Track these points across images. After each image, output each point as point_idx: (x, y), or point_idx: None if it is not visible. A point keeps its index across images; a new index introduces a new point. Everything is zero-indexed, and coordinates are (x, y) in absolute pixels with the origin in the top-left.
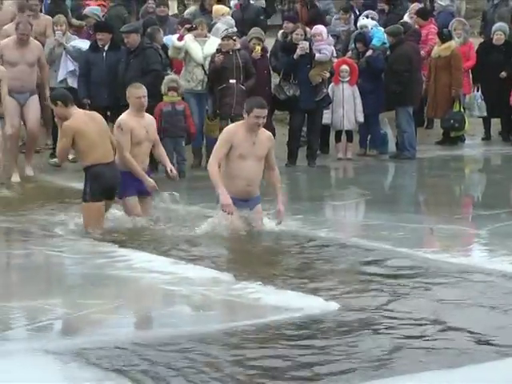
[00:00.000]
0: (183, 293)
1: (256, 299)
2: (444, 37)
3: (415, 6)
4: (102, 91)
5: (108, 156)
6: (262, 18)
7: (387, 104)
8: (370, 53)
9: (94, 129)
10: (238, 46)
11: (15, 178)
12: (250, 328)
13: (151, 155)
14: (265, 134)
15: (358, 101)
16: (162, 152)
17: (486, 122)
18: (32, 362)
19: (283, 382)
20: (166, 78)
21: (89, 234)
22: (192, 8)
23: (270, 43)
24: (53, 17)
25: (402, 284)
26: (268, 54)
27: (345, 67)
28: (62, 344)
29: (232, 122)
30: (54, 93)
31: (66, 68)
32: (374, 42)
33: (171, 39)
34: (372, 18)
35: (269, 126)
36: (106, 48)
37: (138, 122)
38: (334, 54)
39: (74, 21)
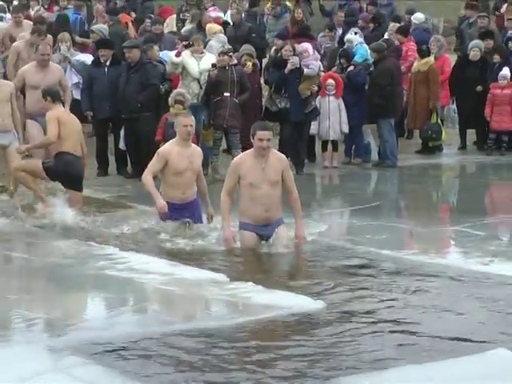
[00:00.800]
0: (179, 292)
1: (248, 298)
2: (423, 53)
3: (395, 25)
4: (104, 104)
5: (78, 151)
6: (253, 35)
7: (370, 116)
8: (351, 68)
9: (71, 123)
10: (235, 61)
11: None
12: (242, 325)
13: None
14: (276, 156)
15: (343, 113)
16: (203, 189)
17: (462, 133)
18: (32, 356)
19: (274, 374)
20: (174, 91)
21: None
22: (189, 26)
23: None
24: (58, 34)
25: (385, 283)
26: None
27: (331, 81)
28: (62, 340)
29: (225, 132)
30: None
31: (71, 81)
32: (356, 58)
33: (168, 55)
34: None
35: None
36: (107, 63)
37: (180, 152)
38: (321, 69)
39: (78, 38)
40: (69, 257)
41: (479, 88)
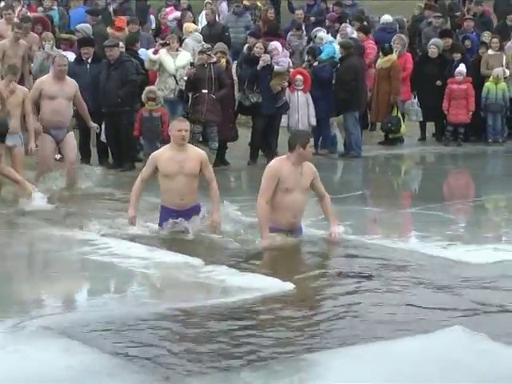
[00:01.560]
0: (157, 275)
1: (221, 281)
2: (385, 51)
3: (357, 24)
4: (86, 99)
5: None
6: (226, 34)
7: (336, 109)
8: (315, 64)
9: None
10: (214, 59)
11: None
12: (216, 305)
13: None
14: (307, 164)
15: (311, 106)
16: (214, 194)
17: (422, 125)
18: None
19: (246, 352)
20: (146, 89)
21: None
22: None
23: None
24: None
25: (350, 265)
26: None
27: (299, 77)
28: (50, 321)
29: (204, 126)
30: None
31: None
32: (322, 55)
33: (146, 53)
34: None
35: (233, 129)
36: (89, 60)
37: (172, 156)
38: (291, 65)
39: (63, 35)
40: (53, 242)
41: (438, 82)
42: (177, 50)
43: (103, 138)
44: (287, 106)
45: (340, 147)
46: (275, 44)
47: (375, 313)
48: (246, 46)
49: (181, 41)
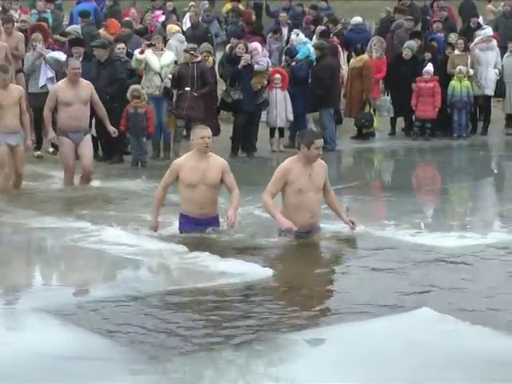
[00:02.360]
0: (145, 261)
1: (205, 266)
2: (357, 51)
3: (320, 28)
4: None
5: None
6: (209, 35)
7: (312, 106)
8: (293, 64)
9: None
10: (198, 58)
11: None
12: (199, 289)
13: None
14: (319, 162)
15: (289, 103)
16: (234, 196)
17: (392, 121)
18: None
19: (226, 333)
20: (130, 87)
21: None
22: None
23: None
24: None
25: (326, 252)
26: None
27: (277, 76)
28: (44, 304)
29: (188, 122)
30: None
31: (46, 75)
32: (299, 55)
33: (134, 53)
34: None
35: (216, 124)
36: (80, 60)
37: (195, 165)
38: (270, 65)
39: (59, 37)
40: (46, 230)
41: (414, 85)
42: (161, 50)
43: (93, 132)
44: (267, 102)
45: None
46: (255, 44)
47: (350, 296)
48: (228, 46)
49: (165, 41)
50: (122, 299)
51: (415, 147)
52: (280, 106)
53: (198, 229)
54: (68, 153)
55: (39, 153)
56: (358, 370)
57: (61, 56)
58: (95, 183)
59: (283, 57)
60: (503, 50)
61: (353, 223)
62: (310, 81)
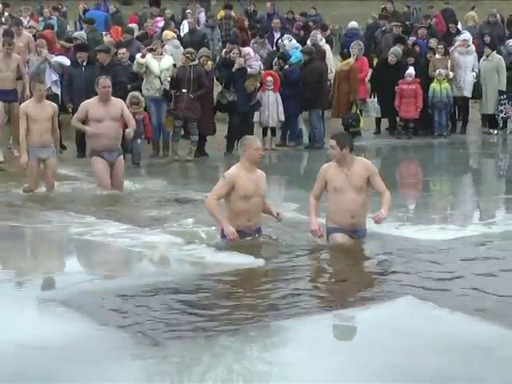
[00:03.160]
0: (145, 253)
1: (201, 257)
2: (344, 55)
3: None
4: (82, 98)
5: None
6: (205, 40)
7: (302, 107)
8: (286, 67)
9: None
10: (195, 62)
11: None
12: (196, 279)
13: None
14: (361, 163)
15: (280, 104)
16: (268, 206)
17: (378, 121)
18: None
19: (219, 319)
20: (129, 94)
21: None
22: None
23: None
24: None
25: (315, 245)
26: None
27: (270, 78)
28: (47, 292)
29: (185, 122)
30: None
31: (51, 79)
32: (292, 59)
33: (136, 57)
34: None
35: (212, 124)
36: (84, 64)
37: (248, 176)
38: (262, 68)
39: (64, 43)
40: (53, 224)
41: (397, 88)
42: (161, 55)
43: None
44: (259, 104)
45: (305, 140)
46: (248, 49)
47: (337, 286)
48: (224, 50)
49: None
50: (122, 289)
51: (399, 145)
52: (272, 106)
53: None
54: (103, 175)
55: None
56: (346, 354)
57: (64, 60)
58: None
59: (275, 60)
60: (481, 54)
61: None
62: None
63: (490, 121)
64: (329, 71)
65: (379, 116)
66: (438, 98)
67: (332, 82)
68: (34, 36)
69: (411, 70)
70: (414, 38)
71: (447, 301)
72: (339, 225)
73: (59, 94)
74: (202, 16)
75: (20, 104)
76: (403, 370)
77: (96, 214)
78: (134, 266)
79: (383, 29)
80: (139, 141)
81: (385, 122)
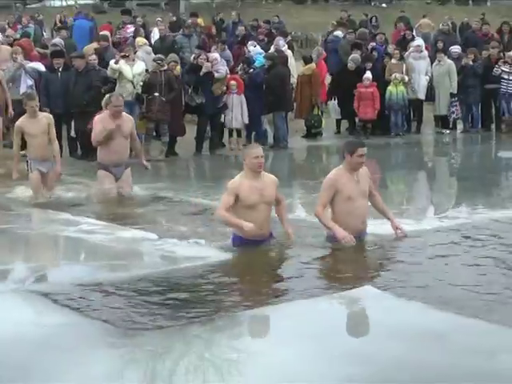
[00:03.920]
0: (119, 248)
1: (172, 251)
2: (306, 60)
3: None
4: (58, 101)
5: None
6: (175, 47)
7: (267, 109)
8: (251, 71)
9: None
10: (165, 67)
11: None
12: (168, 272)
13: None
14: (363, 168)
15: (245, 107)
16: (283, 208)
17: (338, 122)
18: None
19: (190, 309)
20: (106, 96)
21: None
22: None
23: None
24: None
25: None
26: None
27: (233, 82)
28: (27, 285)
29: (157, 124)
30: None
31: (26, 83)
32: (256, 63)
33: (110, 63)
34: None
35: (181, 126)
36: (60, 69)
37: (251, 185)
38: (228, 72)
39: (40, 49)
40: (31, 221)
41: (355, 91)
42: (133, 60)
43: (73, 133)
44: (226, 107)
45: (270, 140)
46: (215, 55)
47: (301, 278)
48: (192, 56)
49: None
50: (98, 282)
51: None
52: (236, 109)
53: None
54: (107, 184)
55: (24, 152)
56: (310, 341)
57: (39, 66)
58: None
59: (240, 65)
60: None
61: (399, 228)
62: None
63: (442, 121)
64: (291, 76)
65: (339, 117)
66: (394, 100)
67: (294, 85)
68: (10, 45)
69: (369, 75)
70: (374, 44)
71: (403, 290)
72: (349, 231)
73: None
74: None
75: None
76: (364, 356)
77: (72, 211)
78: (108, 260)
79: (341, 36)
80: None
81: (344, 123)
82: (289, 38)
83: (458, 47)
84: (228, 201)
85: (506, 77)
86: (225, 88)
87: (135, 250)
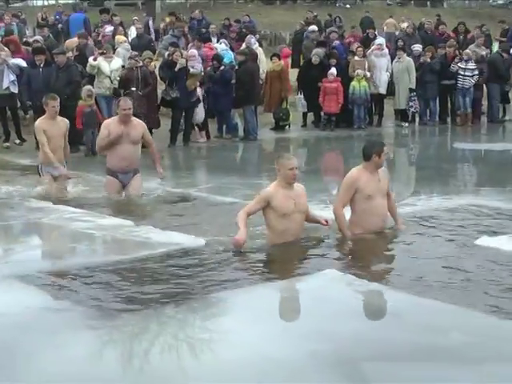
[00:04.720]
0: (97, 234)
1: (147, 238)
2: (275, 56)
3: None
4: (40, 96)
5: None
6: (152, 44)
7: (237, 103)
8: (222, 68)
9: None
10: (140, 64)
11: None
12: (142, 257)
13: None
14: (382, 169)
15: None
16: (312, 216)
17: (304, 115)
18: None
19: (164, 292)
20: (84, 88)
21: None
22: None
23: None
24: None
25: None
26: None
27: None
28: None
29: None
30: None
31: (9, 79)
32: (225, 60)
33: (89, 60)
34: (225, 44)
35: (156, 119)
36: (41, 65)
37: (285, 194)
38: (202, 69)
39: (24, 47)
40: (13, 210)
41: (321, 85)
42: (111, 57)
43: None
44: (199, 100)
45: (240, 132)
46: (194, 52)
47: (270, 261)
48: (167, 53)
49: (114, 49)
50: (78, 267)
51: (323, 137)
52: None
53: None
54: (113, 191)
55: (8, 144)
56: (277, 320)
57: (21, 62)
58: None
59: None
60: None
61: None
62: (233, 82)
63: (401, 115)
64: (261, 71)
65: (305, 111)
66: (357, 94)
67: (264, 81)
68: None
69: (333, 70)
70: (338, 42)
71: (363, 273)
72: (368, 230)
73: (16, 92)
74: (151, 23)
75: None
76: (327, 334)
77: (53, 200)
78: (87, 246)
79: (305, 35)
80: (95, 131)
81: (310, 116)
82: (257, 36)
83: (420, 46)
84: (254, 207)
85: (461, 73)
86: (198, 83)
87: (112, 236)
